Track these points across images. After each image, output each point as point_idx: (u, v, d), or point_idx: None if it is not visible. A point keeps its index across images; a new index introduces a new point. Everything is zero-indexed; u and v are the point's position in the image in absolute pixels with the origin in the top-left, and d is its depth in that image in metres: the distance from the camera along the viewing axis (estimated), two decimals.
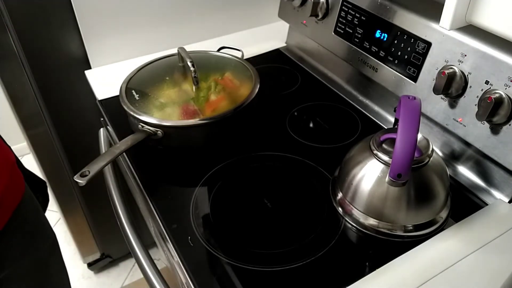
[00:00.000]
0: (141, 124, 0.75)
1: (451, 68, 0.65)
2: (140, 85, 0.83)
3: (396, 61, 0.75)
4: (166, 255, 0.68)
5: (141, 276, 0.67)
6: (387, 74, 0.77)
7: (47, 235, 0.82)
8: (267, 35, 1.15)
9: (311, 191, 0.70)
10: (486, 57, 0.61)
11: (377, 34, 0.78)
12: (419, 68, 0.71)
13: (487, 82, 0.61)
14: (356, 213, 0.63)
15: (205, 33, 1.14)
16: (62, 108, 1.09)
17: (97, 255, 1.51)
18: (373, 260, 0.59)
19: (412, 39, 0.71)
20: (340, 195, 0.66)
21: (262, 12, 1.20)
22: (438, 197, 0.61)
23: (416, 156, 0.58)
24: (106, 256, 1.53)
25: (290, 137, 0.81)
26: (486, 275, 0.56)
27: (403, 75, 0.74)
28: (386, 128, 0.74)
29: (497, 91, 0.60)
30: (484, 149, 0.64)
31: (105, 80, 1.01)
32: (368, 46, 0.80)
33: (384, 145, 0.62)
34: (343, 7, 0.84)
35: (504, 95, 0.59)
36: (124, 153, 0.76)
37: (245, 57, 0.93)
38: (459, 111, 0.66)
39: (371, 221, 0.62)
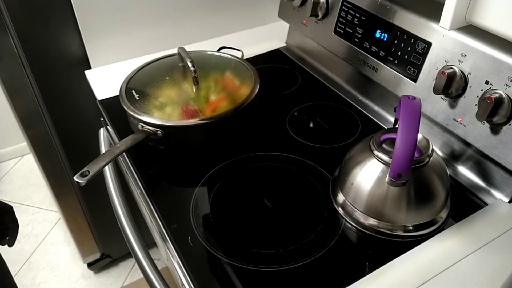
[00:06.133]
0: (141, 124, 0.75)
1: (451, 68, 0.65)
2: (140, 85, 0.83)
3: (396, 61, 0.75)
4: (166, 255, 0.68)
5: (141, 276, 0.67)
6: (387, 74, 0.77)
7: None
8: (267, 35, 1.15)
9: (311, 191, 0.70)
10: (486, 57, 0.61)
11: (377, 34, 0.78)
12: (419, 68, 0.71)
13: (487, 82, 0.61)
14: (356, 213, 0.63)
15: (205, 33, 1.14)
16: (62, 108, 1.09)
17: (97, 255, 1.51)
18: (373, 260, 0.59)
19: (412, 39, 0.71)
20: (340, 195, 0.66)
21: (262, 12, 1.20)
22: (438, 197, 0.61)
23: (416, 156, 0.58)
24: (106, 256, 1.53)
25: (290, 137, 0.81)
26: (486, 275, 0.56)
27: (403, 75, 0.74)
28: (386, 128, 0.74)
29: (497, 91, 0.60)
30: (484, 149, 0.64)
31: (105, 80, 1.01)
32: (368, 46, 0.80)
33: (384, 145, 0.62)
34: (343, 7, 0.84)
35: (504, 95, 0.59)
36: (124, 153, 0.76)
37: (245, 57, 0.93)
38: (459, 111, 0.66)
39: (371, 221, 0.62)
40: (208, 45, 1.06)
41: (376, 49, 0.79)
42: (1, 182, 1.96)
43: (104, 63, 1.05)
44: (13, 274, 1.61)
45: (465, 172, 0.71)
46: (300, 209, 0.67)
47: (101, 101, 0.93)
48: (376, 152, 0.60)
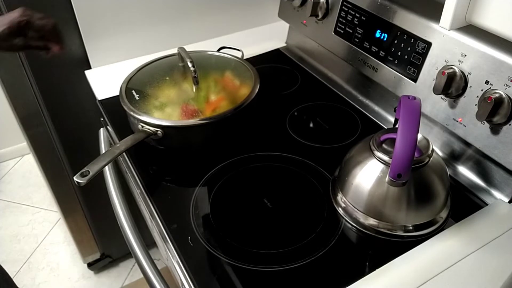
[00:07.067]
0: (141, 124, 0.75)
1: (451, 68, 0.65)
2: (140, 85, 0.83)
3: (396, 61, 0.75)
4: (166, 255, 0.68)
5: (141, 276, 0.67)
6: (387, 74, 0.77)
7: None
8: (267, 35, 1.15)
9: (311, 191, 0.70)
10: (486, 57, 0.61)
11: (377, 34, 0.78)
12: (419, 68, 0.71)
13: (487, 82, 0.61)
14: (356, 213, 0.63)
15: (205, 33, 1.14)
16: (62, 108, 1.09)
17: (97, 255, 1.51)
18: (373, 260, 0.59)
19: (412, 39, 0.71)
20: (340, 195, 0.66)
21: (262, 12, 1.20)
22: (438, 197, 0.61)
23: (416, 156, 0.58)
24: (106, 256, 1.53)
25: (290, 137, 0.81)
26: (486, 275, 0.56)
27: (403, 75, 0.74)
28: (386, 128, 0.74)
29: (497, 91, 0.60)
30: (484, 149, 0.64)
31: (105, 80, 1.01)
32: (368, 46, 0.80)
33: (384, 145, 0.62)
34: (343, 7, 0.84)
35: (504, 95, 0.59)
36: (124, 153, 0.76)
37: (245, 57, 0.93)
38: (459, 111, 0.66)
39: (371, 221, 0.62)
40: (208, 45, 1.06)
41: (376, 49, 0.79)
42: (1, 182, 1.96)
43: (104, 63, 1.05)
44: (13, 274, 1.62)
45: (465, 172, 0.71)
46: (300, 209, 0.67)
47: (101, 101, 0.93)
48: (376, 152, 0.60)
